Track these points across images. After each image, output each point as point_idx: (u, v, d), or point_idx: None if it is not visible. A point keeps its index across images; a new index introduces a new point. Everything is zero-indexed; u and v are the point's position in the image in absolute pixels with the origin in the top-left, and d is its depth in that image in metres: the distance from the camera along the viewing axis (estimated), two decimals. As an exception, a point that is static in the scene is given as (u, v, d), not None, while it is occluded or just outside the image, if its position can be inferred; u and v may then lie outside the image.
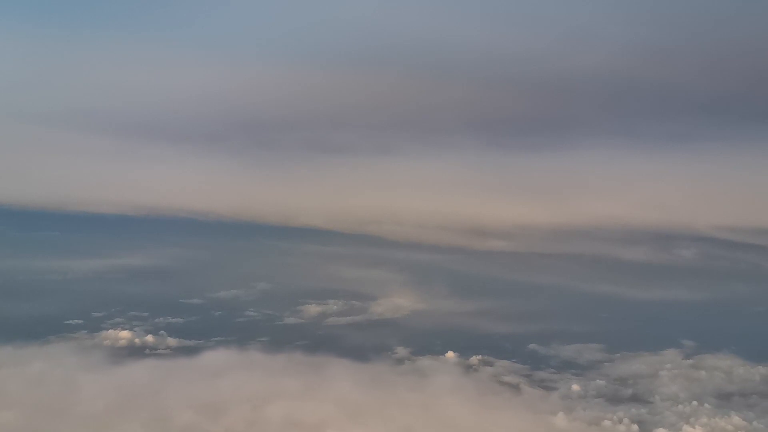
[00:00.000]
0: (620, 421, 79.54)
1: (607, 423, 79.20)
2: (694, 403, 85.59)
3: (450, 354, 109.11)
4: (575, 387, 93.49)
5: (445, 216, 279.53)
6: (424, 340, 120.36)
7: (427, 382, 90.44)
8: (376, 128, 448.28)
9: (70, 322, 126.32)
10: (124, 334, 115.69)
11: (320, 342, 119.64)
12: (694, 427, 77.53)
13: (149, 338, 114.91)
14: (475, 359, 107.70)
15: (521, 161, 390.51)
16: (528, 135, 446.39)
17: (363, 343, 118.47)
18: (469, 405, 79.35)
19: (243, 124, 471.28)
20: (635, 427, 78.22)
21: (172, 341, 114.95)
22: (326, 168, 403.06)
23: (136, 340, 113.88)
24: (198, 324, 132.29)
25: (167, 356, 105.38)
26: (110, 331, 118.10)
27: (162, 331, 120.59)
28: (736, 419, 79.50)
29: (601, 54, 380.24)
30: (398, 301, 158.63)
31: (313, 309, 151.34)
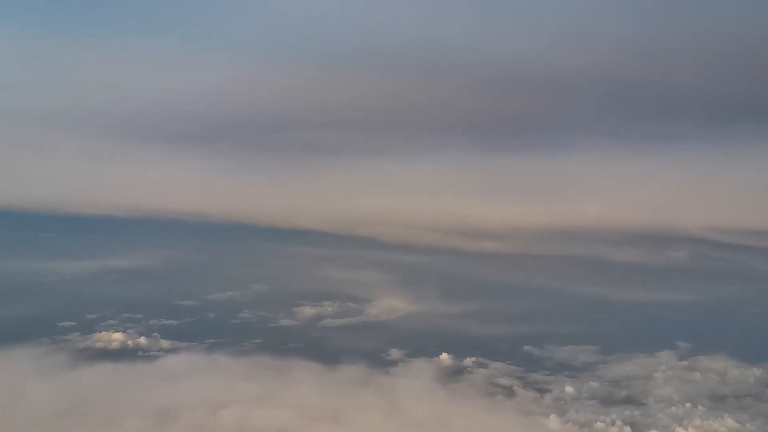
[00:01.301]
0: (613, 423, 79.34)
1: (599, 425, 79.01)
2: (688, 404, 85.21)
3: (444, 356, 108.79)
4: (569, 389, 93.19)
5: (439, 217, 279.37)
6: (419, 342, 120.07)
7: (403, 385, 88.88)
8: (369, 129, 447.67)
9: (64, 323, 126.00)
10: (117, 336, 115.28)
11: (313, 344, 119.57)
12: (686, 429, 77.26)
13: (142, 340, 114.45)
14: (469, 361, 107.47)
15: (514, 162, 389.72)
16: (520, 136, 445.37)
17: (357, 345, 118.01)
18: (441, 408, 78.22)
19: (235, 125, 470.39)
20: (628, 429, 77.98)
21: (165, 343, 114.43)
22: (319, 169, 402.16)
23: (129, 342, 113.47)
24: (192, 326, 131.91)
25: (158, 358, 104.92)
26: (103, 333, 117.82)
27: (155, 333, 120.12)
28: (729, 421, 79.21)
29: (592, 55, 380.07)
30: (393, 303, 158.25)
31: (308, 311, 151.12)
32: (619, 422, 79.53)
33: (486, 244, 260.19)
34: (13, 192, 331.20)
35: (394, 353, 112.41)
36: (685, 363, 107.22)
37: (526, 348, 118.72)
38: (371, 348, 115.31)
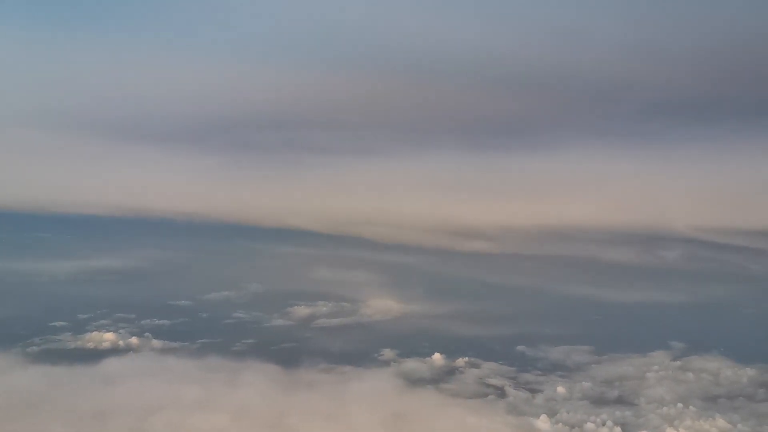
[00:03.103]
0: (603, 424, 78.76)
1: (590, 425, 78.41)
2: (680, 405, 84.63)
3: (436, 356, 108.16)
4: (560, 389, 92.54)
5: (430, 217, 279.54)
6: (412, 342, 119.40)
7: (364, 388, 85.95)
8: (360, 129, 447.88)
9: (55, 323, 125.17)
10: (109, 336, 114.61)
11: (303, 344, 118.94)
12: (677, 430, 76.71)
13: (133, 340, 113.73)
14: (461, 361, 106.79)
15: (505, 162, 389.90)
16: (511, 136, 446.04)
17: (349, 345, 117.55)
18: (398, 412, 75.65)
19: (228, 125, 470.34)
20: (618, 429, 77.41)
21: (156, 343, 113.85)
22: (310, 169, 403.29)
23: (120, 342, 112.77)
24: (184, 326, 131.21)
25: (150, 359, 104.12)
26: (94, 333, 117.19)
27: (147, 333, 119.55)
28: (721, 422, 78.63)
29: (584, 55, 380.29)
30: (387, 303, 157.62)
31: (302, 311, 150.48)
32: (609, 423, 78.97)
33: (478, 244, 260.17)
34: (8, 192, 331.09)
35: (387, 353, 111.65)
36: (678, 363, 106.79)
37: (520, 348, 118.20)
38: (363, 348, 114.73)
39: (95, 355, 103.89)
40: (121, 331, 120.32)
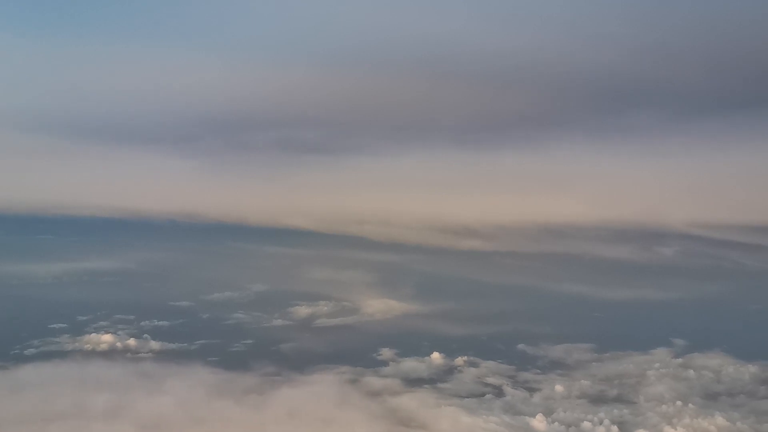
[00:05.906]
0: (600, 422, 77.84)
1: (587, 424, 77.49)
2: (679, 403, 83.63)
3: (435, 355, 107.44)
4: (559, 388, 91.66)
5: (425, 215, 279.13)
6: (412, 341, 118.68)
7: (312, 392, 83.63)
8: (352, 127, 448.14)
9: (55, 326, 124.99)
10: (107, 338, 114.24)
11: (302, 344, 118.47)
12: (675, 429, 75.70)
13: (131, 342, 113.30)
14: (460, 360, 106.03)
15: (500, 159, 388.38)
16: (506, 132, 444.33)
17: (347, 345, 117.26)
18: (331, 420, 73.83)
19: (223, 125, 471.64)
20: (615, 428, 76.47)
21: (155, 345, 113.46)
22: (303, 168, 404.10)
23: (118, 344, 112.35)
24: (184, 327, 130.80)
25: (147, 360, 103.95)
26: (93, 335, 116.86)
27: (146, 335, 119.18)
28: (720, 420, 77.53)
29: (579, 51, 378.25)
30: (389, 303, 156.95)
31: (303, 311, 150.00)
32: (607, 421, 78.02)
33: (474, 242, 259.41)
34: (11, 195, 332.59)
35: (385, 353, 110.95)
36: (679, 361, 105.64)
37: (520, 347, 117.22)
38: (362, 348, 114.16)
39: (92, 357, 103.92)
40: (119, 332, 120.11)
